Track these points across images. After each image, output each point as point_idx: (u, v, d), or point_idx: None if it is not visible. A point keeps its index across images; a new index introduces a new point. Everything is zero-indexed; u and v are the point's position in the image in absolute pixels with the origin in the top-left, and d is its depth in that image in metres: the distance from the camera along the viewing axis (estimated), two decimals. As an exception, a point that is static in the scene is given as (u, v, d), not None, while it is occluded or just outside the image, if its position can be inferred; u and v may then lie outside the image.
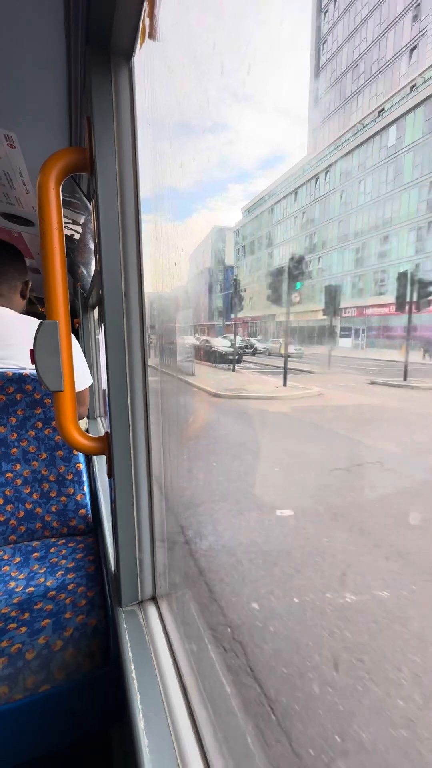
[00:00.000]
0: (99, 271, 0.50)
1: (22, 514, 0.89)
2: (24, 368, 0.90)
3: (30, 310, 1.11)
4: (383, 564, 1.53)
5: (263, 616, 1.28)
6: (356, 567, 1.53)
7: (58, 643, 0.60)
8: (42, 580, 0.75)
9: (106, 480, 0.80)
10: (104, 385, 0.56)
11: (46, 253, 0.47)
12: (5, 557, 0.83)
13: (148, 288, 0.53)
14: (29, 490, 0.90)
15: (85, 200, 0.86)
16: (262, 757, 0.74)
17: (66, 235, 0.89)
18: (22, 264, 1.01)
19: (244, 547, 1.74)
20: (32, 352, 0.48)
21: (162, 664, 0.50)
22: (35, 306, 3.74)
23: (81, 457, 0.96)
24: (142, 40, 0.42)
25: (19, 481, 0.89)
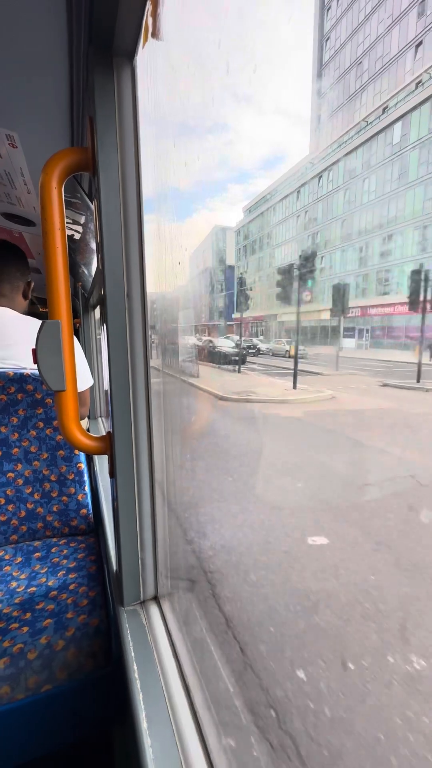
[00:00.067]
0: (101, 271, 0.50)
1: (23, 513, 0.90)
2: (25, 368, 0.90)
3: (30, 311, 1.11)
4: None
5: (315, 694, 1.00)
6: (417, 616, 1.24)
7: (59, 642, 0.60)
8: (43, 579, 0.75)
9: (107, 480, 0.81)
10: (105, 385, 0.56)
11: (48, 253, 0.47)
12: (7, 557, 0.83)
13: (150, 288, 0.53)
14: (31, 490, 0.90)
15: (87, 200, 0.86)
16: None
17: (67, 235, 0.89)
18: (25, 264, 1.01)
19: (278, 588, 1.45)
20: (34, 351, 0.48)
21: (164, 664, 0.50)
22: (36, 306, 3.74)
23: (82, 456, 0.96)
24: (145, 40, 0.42)
25: (20, 481, 0.89)
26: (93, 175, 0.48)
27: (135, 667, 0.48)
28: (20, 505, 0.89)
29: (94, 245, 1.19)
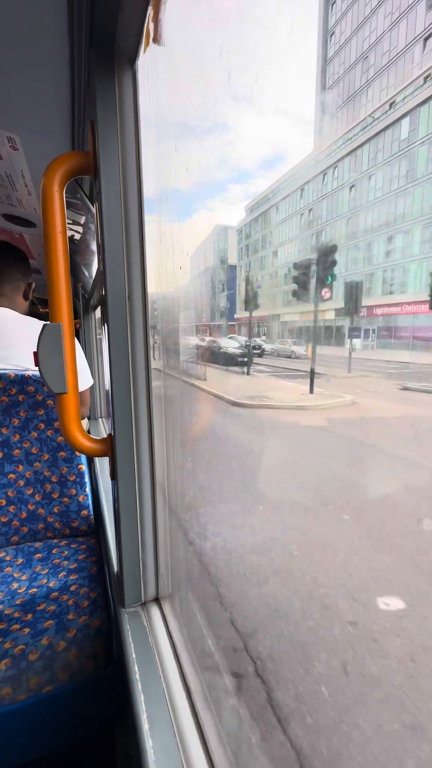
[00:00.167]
0: (102, 273, 0.50)
1: (24, 515, 0.90)
2: (27, 369, 0.90)
3: (30, 311, 1.12)
4: None
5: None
6: None
7: (61, 644, 0.61)
8: (44, 581, 0.75)
9: (108, 481, 0.81)
10: (106, 385, 0.56)
11: (50, 256, 0.47)
12: (8, 558, 0.84)
13: (151, 288, 0.53)
14: (32, 491, 0.91)
15: (86, 201, 0.86)
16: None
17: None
18: (26, 265, 1.01)
19: (354, 686, 0.96)
20: (36, 354, 0.48)
21: (165, 666, 0.50)
22: (36, 307, 3.75)
23: (83, 458, 0.97)
24: (146, 44, 0.41)
25: (21, 483, 0.90)
26: (94, 179, 0.48)
27: (136, 669, 0.48)
28: (21, 507, 0.90)
29: (94, 246, 1.20)
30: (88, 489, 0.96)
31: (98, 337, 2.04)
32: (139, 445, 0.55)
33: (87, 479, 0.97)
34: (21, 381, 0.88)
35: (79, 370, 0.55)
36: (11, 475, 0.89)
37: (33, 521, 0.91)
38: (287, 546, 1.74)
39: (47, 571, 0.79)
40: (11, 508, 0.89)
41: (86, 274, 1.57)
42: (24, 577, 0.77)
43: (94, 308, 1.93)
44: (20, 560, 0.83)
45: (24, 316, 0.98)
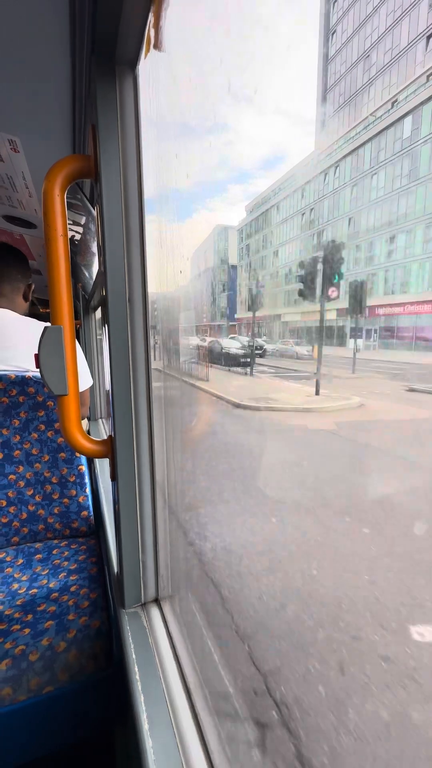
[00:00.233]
0: (103, 275, 0.50)
1: (24, 515, 0.90)
2: (27, 370, 0.90)
3: (30, 311, 1.12)
4: None
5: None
6: None
7: (61, 644, 0.61)
8: (45, 581, 0.75)
9: (108, 482, 0.81)
10: (106, 386, 0.56)
11: (51, 259, 0.47)
12: (8, 559, 0.84)
13: (152, 289, 0.53)
14: (32, 492, 0.91)
15: (87, 202, 0.86)
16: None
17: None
18: (26, 267, 1.02)
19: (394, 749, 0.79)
20: (37, 356, 0.48)
21: (165, 666, 0.50)
22: (36, 307, 3.75)
23: (83, 459, 0.97)
24: (147, 50, 0.42)
25: (21, 483, 0.90)
26: (95, 182, 0.48)
27: (136, 669, 0.49)
28: (21, 507, 0.90)
29: (94, 247, 1.20)
30: (88, 490, 0.97)
31: (98, 337, 2.04)
32: (139, 446, 0.55)
33: (87, 480, 0.97)
34: (21, 382, 0.88)
35: (79, 370, 0.55)
36: (11, 476, 0.90)
37: (33, 522, 0.91)
38: (310, 564, 1.56)
39: (47, 571, 0.79)
40: (12, 509, 0.89)
41: (86, 275, 1.57)
42: (24, 578, 0.77)
43: (95, 309, 1.94)
44: (20, 561, 0.83)
45: (24, 317, 0.98)
